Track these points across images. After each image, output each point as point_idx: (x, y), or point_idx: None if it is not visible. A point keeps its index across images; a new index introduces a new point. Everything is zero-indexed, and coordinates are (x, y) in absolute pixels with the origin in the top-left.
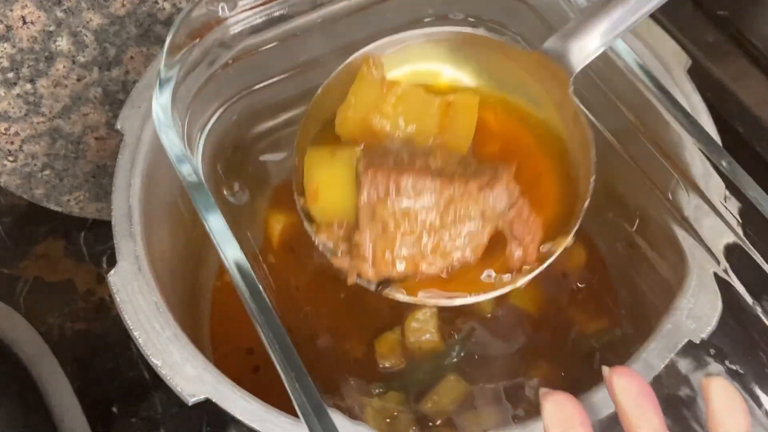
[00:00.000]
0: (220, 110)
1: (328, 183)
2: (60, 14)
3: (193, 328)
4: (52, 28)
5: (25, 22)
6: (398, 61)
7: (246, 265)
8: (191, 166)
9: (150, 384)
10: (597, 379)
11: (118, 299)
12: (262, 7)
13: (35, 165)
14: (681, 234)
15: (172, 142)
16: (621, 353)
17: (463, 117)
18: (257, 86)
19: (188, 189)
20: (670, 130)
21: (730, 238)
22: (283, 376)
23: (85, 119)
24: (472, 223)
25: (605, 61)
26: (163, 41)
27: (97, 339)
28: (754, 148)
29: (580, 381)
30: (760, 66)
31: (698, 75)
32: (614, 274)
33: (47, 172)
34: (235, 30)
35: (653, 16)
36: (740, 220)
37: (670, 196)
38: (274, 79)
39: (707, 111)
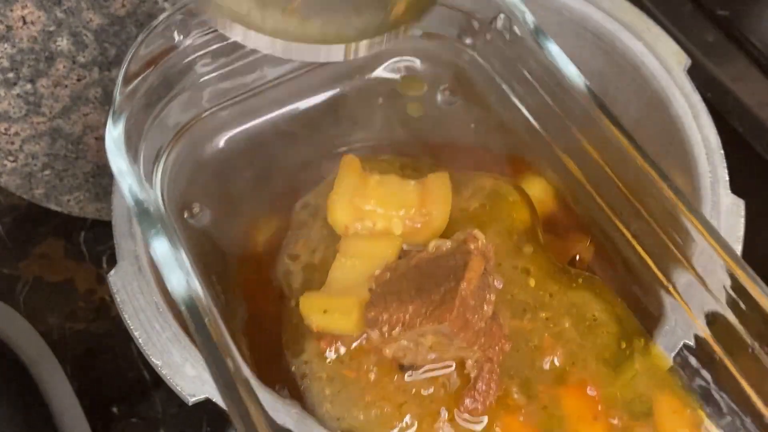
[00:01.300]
0: (180, 134)
1: (326, 327)
2: (60, 14)
3: None
4: (52, 28)
5: (25, 22)
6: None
7: (188, 294)
8: (144, 195)
9: (150, 384)
10: None
11: (118, 299)
12: (216, 33)
13: (35, 165)
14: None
15: (122, 171)
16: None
17: (439, 190)
18: (216, 108)
19: (135, 218)
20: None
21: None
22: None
23: (86, 119)
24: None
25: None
26: None
27: (97, 339)
28: (754, 148)
29: None
30: (760, 66)
31: (698, 75)
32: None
33: (47, 172)
34: (190, 56)
35: (653, 16)
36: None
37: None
38: (234, 100)
39: (707, 111)
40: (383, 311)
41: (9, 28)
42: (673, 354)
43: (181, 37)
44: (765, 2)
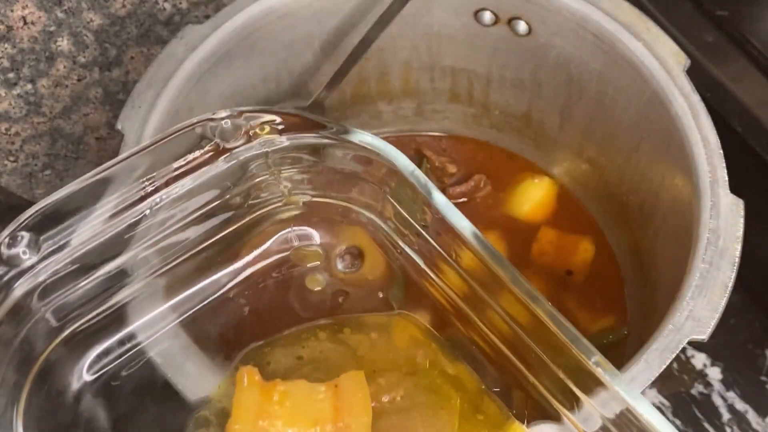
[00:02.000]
0: (42, 365)
1: None
2: (60, 14)
3: None
4: (52, 29)
5: (25, 23)
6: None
7: None
8: None
9: None
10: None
11: None
12: (72, 247)
13: (36, 165)
14: None
15: None
16: (622, 353)
17: (354, 396)
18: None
19: None
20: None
21: None
22: None
23: (86, 119)
24: None
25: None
26: (164, 42)
27: None
28: (754, 148)
29: None
30: (760, 66)
31: (698, 75)
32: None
33: (48, 172)
34: (42, 275)
35: (653, 16)
36: None
37: None
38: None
39: (707, 111)
40: None
41: (9, 28)
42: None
43: (29, 255)
44: (765, 2)
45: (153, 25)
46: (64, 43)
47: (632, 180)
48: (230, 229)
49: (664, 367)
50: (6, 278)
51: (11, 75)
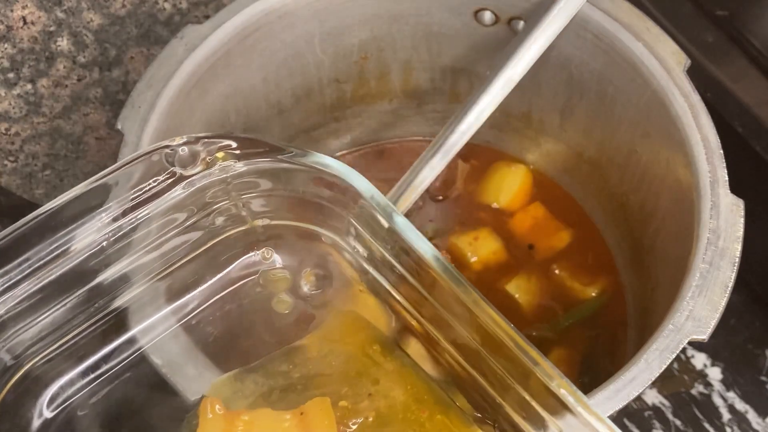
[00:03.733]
0: None
1: None
2: (60, 14)
3: None
4: (52, 29)
5: (25, 23)
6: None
7: None
8: None
9: None
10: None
11: None
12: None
13: (36, 165)
14: None
15: None
16: (621, 354)
17: (321, 423)
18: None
19: None
20: None
21: None
22: None
23: (86, 119)
24: None
25: None
26: (164, 42)
27: None
28: (754, 148)
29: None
30: (760, 66)
31: (698, 75)
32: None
33: (48, 172)
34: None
35: (653, 16)
36: None
37: None
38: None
39: (707, 111)
40: None
41: (9, 28)
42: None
43: None
44: (765, 2)
45: (153, 25)
46: (63, 43)
47: (632, 180)
48: (192, 254)
49: (664, 367)
50: None
51: (11, 75)
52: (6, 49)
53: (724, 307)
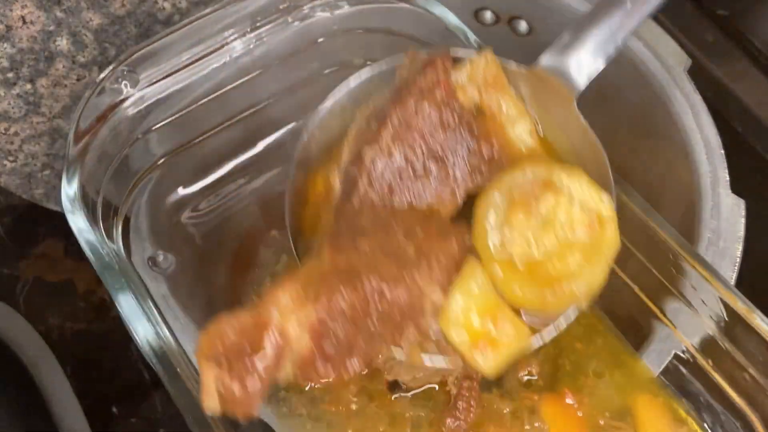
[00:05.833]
0: (136, 185)
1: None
2: (60, 14)
3: None
4: (51, 28)
5: (24, 22)
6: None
7: (158, 345)
8: (106, 249)
9: (150, 384)
10: None
11: None
12: (165, 81)
13: (35, 165)
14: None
15: (81, 228)
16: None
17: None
18: (170, 157)
19: (99, 274)
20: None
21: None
22: None
23: None
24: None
25: None
26: None
27: (97, 339)
28: (754, 148)
29: None
30: (760, 66)
31: (698, 75)
32: None
33: (47, 172)
34: (140, 105)
35: (654, 16)
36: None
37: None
38: (187, 147)
39: (707, 111)
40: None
41: (9, 27)
42: (661, 367)
43: (129, 88)
44: (765, 2)
45: (152, 25)
46: (63, 43)
47: (632, 180)
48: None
49: (659, 371)
50: (106, 106)
51: (10, 75)
52: (5, 48)
53: None
